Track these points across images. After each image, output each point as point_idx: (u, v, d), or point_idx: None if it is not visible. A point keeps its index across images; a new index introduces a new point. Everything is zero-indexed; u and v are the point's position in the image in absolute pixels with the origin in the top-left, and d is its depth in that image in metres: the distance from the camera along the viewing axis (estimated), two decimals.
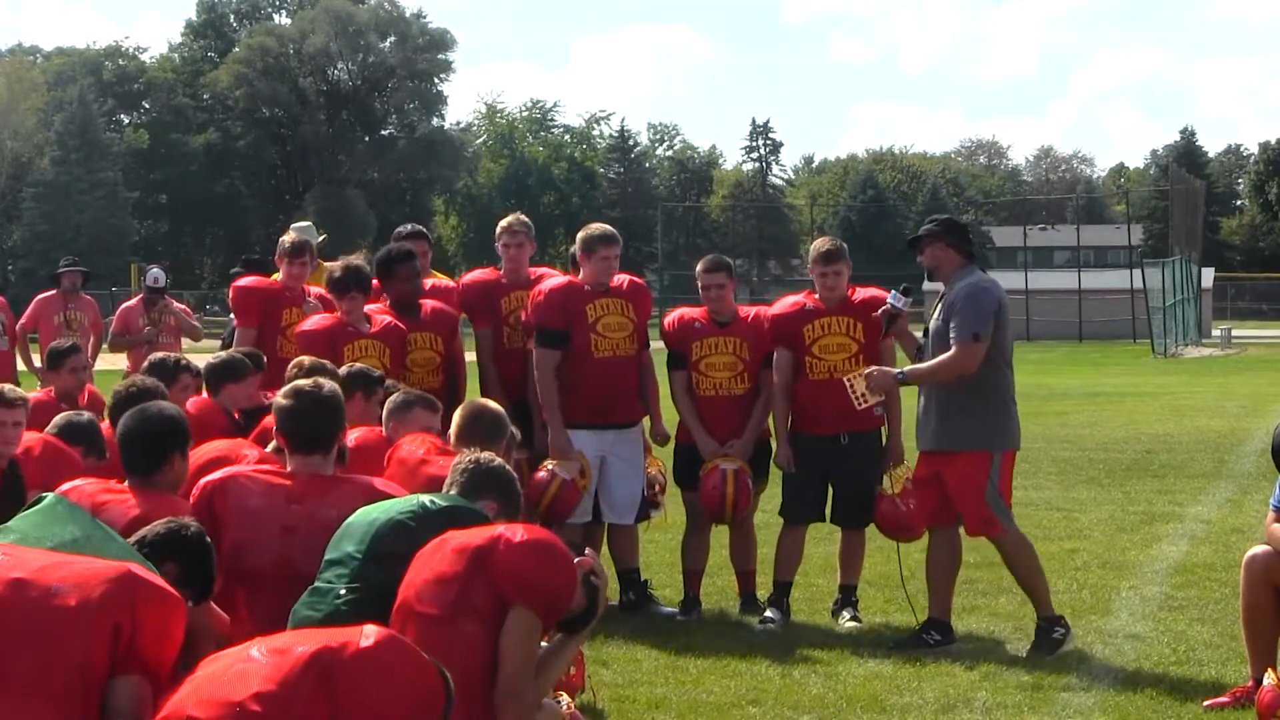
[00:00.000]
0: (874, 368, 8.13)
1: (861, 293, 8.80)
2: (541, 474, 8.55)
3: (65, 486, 5.47)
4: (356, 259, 9.04)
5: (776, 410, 8.81)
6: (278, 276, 9.82)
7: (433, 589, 4.70)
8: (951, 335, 7.86)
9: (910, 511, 8.55)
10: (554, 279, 9.07)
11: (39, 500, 4.75)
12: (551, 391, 8.73)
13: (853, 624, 8.49)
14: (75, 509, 4.70)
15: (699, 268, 9.09)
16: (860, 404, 8.11)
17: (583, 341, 8.77)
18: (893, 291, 8.28)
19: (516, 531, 4.78)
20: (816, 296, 8.81)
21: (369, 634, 4.06)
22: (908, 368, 8.03)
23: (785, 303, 9.02)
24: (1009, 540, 7.96)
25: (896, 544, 8.66)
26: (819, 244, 8.92)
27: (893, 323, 8.17)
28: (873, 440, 8.75)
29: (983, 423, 7.86)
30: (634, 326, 8.92)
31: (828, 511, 8.86)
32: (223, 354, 7.92)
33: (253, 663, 3.97)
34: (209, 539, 4.77)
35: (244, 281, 9.90)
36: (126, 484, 5.52)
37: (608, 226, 9.18)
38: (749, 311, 9.12)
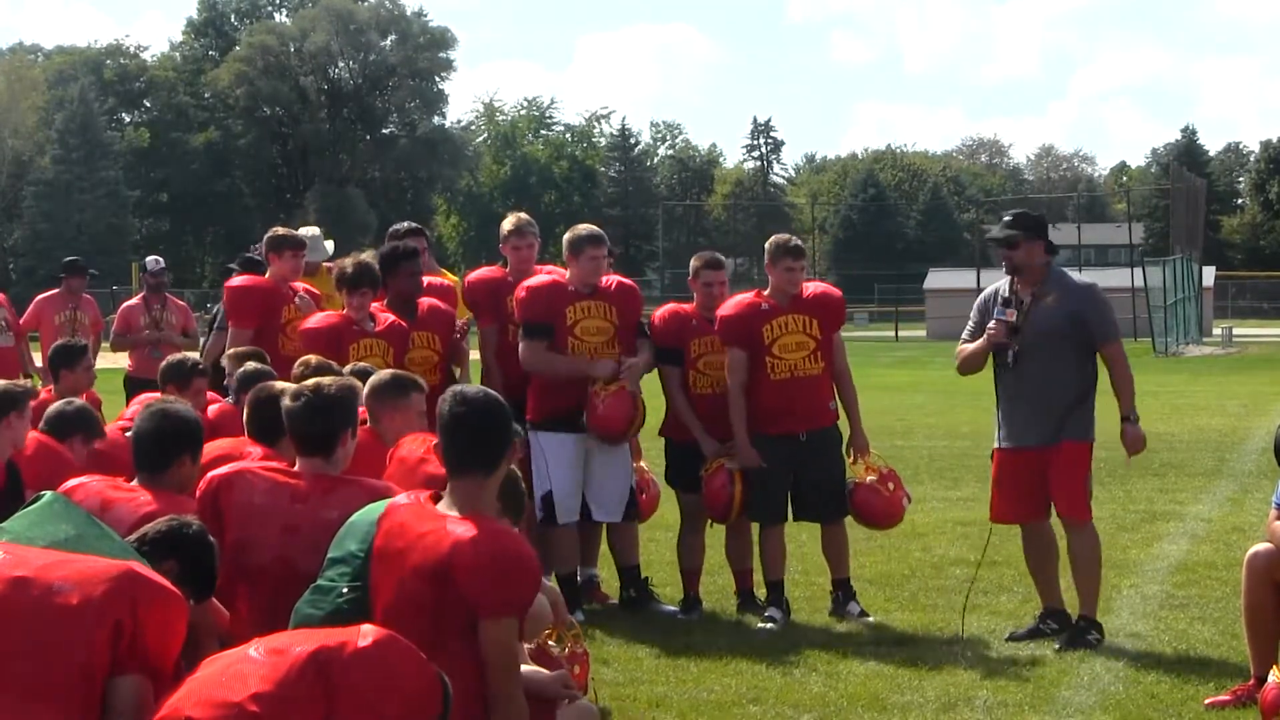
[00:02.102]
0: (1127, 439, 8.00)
1: (810, 288, 8.77)
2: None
3: (73, 483, 5.47)
4: (369, 256, 9.06)
5: (735, 410, 8.59)
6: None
7: (408, 610, 4.55)
8: (1103, 341, 8.06)
9: (892, 495, 8.56)
10: (537, 277, 8.96)
11: (38, 498, 4.75)
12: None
13: (863, 618, 8.47)
14: (72, 507, 4.69)
15: (697, 264, 8.99)
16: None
17: (560, 345, 8.72)
18: (999, 307, 8.05)
19: (468, 542, 4.49)
20: (767, 294, 8.71)
21: (367, 633, 4.04)
22: (1130, 406, 8.00)
23: (736, 302, 8.75)
24: (1091, 529, 8.06)
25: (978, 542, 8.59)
26: (784, 239, 8.78)
27: (1013, 335, 8.00)
28: (831, 434, 8.72)
29: (1090, 412, 8.05)
30: (615, 330, 8.81)
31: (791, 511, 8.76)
32: (250, 365, 7.82)
33: (251, 663, 3.96)
34: (211, 537, 4.76)
35: (238, 281, 9.82)
36: (136, 482, 5.52)
37: (594, 227, 9.10)
38: None
